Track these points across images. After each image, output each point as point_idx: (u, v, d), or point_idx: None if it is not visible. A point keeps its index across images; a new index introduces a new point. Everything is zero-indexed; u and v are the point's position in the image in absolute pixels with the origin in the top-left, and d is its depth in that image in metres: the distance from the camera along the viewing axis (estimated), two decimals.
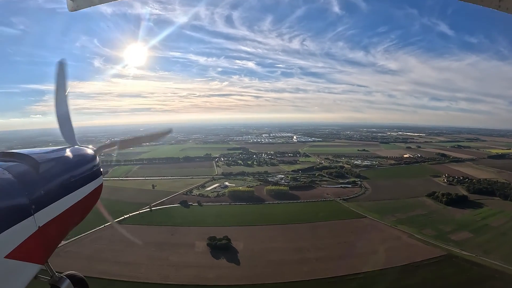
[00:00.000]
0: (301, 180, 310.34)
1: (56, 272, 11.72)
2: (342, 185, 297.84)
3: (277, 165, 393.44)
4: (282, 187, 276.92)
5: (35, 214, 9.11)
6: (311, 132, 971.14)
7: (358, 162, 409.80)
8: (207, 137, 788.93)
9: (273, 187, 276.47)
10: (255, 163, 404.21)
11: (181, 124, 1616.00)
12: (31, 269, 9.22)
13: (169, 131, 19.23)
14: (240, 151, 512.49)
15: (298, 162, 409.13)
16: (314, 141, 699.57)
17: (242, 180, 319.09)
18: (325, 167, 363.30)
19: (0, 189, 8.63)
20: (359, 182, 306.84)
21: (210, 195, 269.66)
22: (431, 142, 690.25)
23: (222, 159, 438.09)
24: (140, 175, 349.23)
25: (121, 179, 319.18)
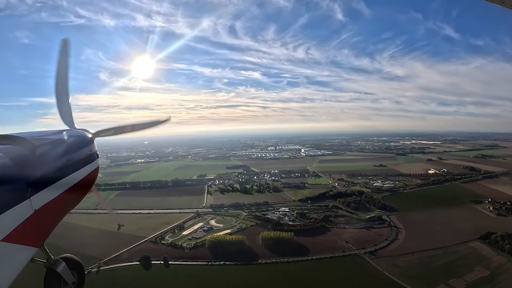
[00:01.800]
0: (311, 216, 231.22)
1: (52, 255, 11.67)
2: (365, 225, 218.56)
3: (281, 190, 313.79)
4: (284, 234, 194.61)
5: (31, 197, 8.92)
6: (319, 143, 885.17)
7: (379, 183, 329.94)
8: (209, 151, 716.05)
9: (272, 234, 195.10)
10: (255, 187, 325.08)
11: (188, 136, 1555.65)
12: (28, 252, 9.10)
13: (166, 120, 17.50)
14: (240, 170, 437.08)
15: (306, 185, 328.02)
16: (323, 154, 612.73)
17: (234, 216, 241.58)
18: (340, 194, 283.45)
19: None
20: (386, 218, 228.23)
21: (185, 245, 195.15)
22: (451, 151, 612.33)
23: (217, 181, 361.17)
24: (112, 207, 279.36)
25: (87, 212, 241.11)
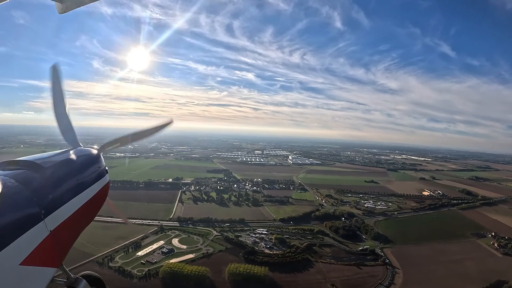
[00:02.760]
0: (292, 243, 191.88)
1: (72, 273, 11.57)
2: (356, 260, 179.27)
3: (262, 204, 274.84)
4: (256, 270, 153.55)
5: (45, 219, 8.98)
6: (308, 150, 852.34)
7: (370, 204, 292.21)
8: (193, 150, 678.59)
9: (241, 268, 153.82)
10: (233, 198, 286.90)
11: (176, 132, 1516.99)
12: (47, 273, 9.13)
13: (170, 122, 15.67)
14: (221, 175, 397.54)
15: (290, 200, 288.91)
16: (311, 163, 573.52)
17: (203, 235, 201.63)
18: (327, 215, 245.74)
19: (8, 197, 8.32)
20: (380, 252, 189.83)
21: (135, 272, 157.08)
22: (443, 170, 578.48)
23: (193, 187, 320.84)
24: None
25: None
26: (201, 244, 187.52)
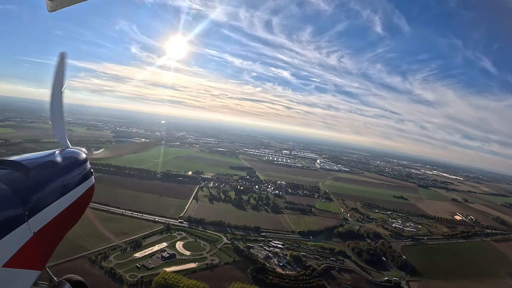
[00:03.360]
0: (308, 263, 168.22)
1: (55, 277, 11.33)
2: None
3: (282, 212, 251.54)
4: None
5: (29, 220, 8.72)
6: (337, 156, 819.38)
7: (399, 224, 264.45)
8: (220, 143, 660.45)
9: None
10: (252, 201, 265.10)
11: (206, 123, 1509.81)
12: (30, 275, 8.88)
13: (159, 142, 20.65)
14: (244, 173, 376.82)
15: (312, 211, 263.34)
16: (339, 170, 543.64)
17: (211, 242, 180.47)
18: (351, 233, 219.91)
19: None
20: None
21: (127, 277, 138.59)
22: (475, 192, 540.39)
23: (212, 184, 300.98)
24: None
25: None
26: (207, 252, 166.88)
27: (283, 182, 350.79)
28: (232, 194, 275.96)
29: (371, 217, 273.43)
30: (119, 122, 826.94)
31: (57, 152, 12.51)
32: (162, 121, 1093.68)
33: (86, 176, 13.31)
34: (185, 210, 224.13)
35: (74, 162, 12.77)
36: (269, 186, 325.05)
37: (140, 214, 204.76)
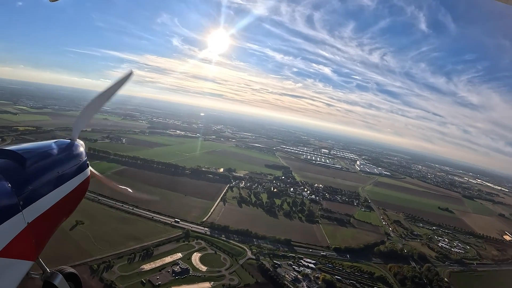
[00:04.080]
0: None
1: (48, 268, 11.17)
2: None
3: (317, 221, 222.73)
4: None
5: (23, 211, 8.74)
6: (377, 157, 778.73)
7: (445, 243, 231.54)
8: (257, 139, 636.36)
9: None
10: (285, 206, 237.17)
11: (245, 116, 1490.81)
12: (23, 266, 8.90)
13: (130, 74, 14.52)
14: (280, 172, 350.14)
15: (351, 222, 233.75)
16: (380, 174, 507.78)
17: (233, 255, 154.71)
18: (393, 253, 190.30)
19: None
20: None
21: None
22: None
23: (243, 183, 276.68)
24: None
25: None
26: (226, 269, 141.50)
27: (321, 186, 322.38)
28: (264, 196, 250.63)
29: (415, 232, 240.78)
30: (157, 113, 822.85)
31: (53, 143, 12.20)
32: (201, 114, 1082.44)
33: (82, 167, 12.95)
34: (210, 213, 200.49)
35: (70, 154, 12.48)
36: (305, 190, 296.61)
37: (159, 216, 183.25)
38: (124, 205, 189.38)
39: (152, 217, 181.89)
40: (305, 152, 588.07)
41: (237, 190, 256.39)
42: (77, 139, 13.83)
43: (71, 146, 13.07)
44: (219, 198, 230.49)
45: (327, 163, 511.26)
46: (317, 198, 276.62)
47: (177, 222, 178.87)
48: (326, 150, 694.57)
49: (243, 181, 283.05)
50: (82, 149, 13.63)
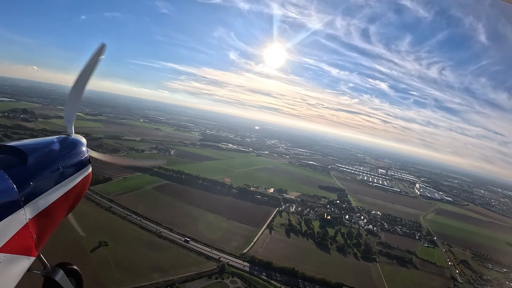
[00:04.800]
0: None
1: (48, 263, 11.16)
2: None
3: (374, 259, 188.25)
4: None
5: (24, 207, 8.67)
6: (436, 179, 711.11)
7: None
8: (312, 156, 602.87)
9: None
10: (338, 238, 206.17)
11: (300, 131, 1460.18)
12: (24, 262, 8.69)
13: (102, 47, 14.47)
14: (334, 195, 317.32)
15: (413, 261, 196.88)
16: (442, 199, 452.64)
17: None
18: None
19: None
20: None
21: None
22: None
23: (294, 207, 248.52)
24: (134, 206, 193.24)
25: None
26: None
27: (378, 213, 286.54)
28: (316, 225, 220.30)
29: (484, 277, 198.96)
30: (211, 125, 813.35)
31: (55, 139, 12.23)
32: (256, 127, 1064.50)
33: (84, 164, 12.98)
34: (252, 243, 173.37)
35: (72, 150, 12.51)
36: (362, 217, 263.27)
37: (194, 243, 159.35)
38: (157, 227, 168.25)
39: (186, 243, 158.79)
40: (361, 172, 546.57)
41: (287, 215, 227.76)
42: (79, 135, 13.95)
43: (73, 142, 12.94)
44: (266, 224, 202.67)
45: (385, 185, 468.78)
46: (374, 228, 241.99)
47: (210, 254, 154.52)
48: (383, 171, 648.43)
49: (294, 205, 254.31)
50: (84, 145, 13.52)
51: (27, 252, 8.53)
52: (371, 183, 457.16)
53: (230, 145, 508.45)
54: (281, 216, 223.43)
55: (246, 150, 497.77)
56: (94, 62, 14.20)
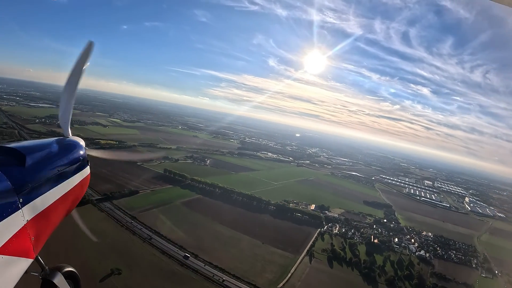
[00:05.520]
0: None
1: (46, 265, 10.99)
2: None
3: None
4: None
5: (22, 208, 8.52)
6: (485, 192, 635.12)
7: None
8: (354, 166, 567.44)
9: None
10: (387, 267, 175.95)
11: (340, 138, 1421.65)
12: (22, 264, 8.57)
13: (90, 44, 14.12)
14: (380, 212, 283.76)
15: None
16: (494, 216, 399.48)
17: None
18: None
19: None
20: None
21: None
22: None
23: (337, 229, 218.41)
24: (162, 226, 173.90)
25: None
26: None
27: (430, 234, 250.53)
28: (362, 250, 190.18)
29: None
30: (251, 132, 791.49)
31: (53, 140, 12.16)
32: (297, 134, 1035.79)
33: (82, 166, 12.89)
34: (289, 275, 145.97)
35: (70, 152, 12.36)
36: (412, 241, 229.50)
37: (221, 274, 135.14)
38: (182, 251, 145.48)
39: (212, 275, 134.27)
40: (407, 184, 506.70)
41: (329, 238, 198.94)
42: (77, 137, 13.75)
43: (71, 143, 12.84)
44: (305, 250, 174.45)
45: (433, 199, 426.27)
46: (427, 255, 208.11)
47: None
48: (429, 182, 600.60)
49: (337, 225, 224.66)
50: (82, 147, 13.32)
51: (25, 254, 8.32)
52: (418, 197, 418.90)
53: (269, 154, 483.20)
54: (323, 239, 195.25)
55: (286, 159, 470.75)
56: (83, 61, 13.53)
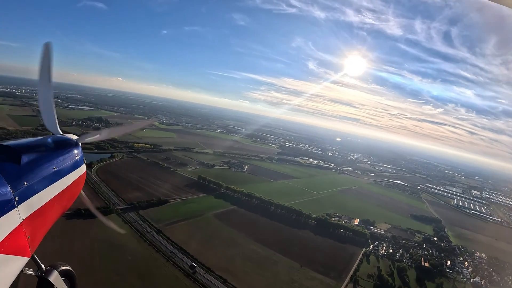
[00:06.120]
0: None
1: (42, 264, 10.80)
2: None
3: None
4: None
5: (18, 206, 8.45)
6: None
7: None
8: (398, 173, 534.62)
9: None
10: None
11: (383, 143, 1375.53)
12: (18, 262, 8.53)
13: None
14: (429, 229, 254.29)
15: None
16: None
17: None
18: None
19: None
20: None
21: None
22: None
23: (384, 248, 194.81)
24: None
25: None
26: None
27: (484, 256, 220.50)
28: (411, 275, 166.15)
29: None
30: (291, 136, 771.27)
31: (48, 139, 11.95)
32: (338, 139, 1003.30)
33: (78, 163, 12.76)
34: None
35: (65, 149, 12.18)
36: (466, 264, 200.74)
37: None
38: (208, 274, 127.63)
39: None
40: (454, 194, 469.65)
41: (375, 260, 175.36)
42: (72, 134, 13.55)
43: (66, 141, 12.62)
44: (349, 275, 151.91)
45: (483, 213, 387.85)
46: (482, 282, 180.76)
47: None
48: (477, 192, 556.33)
49: (383, 244, 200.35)
50: (77, 144, 13.20)
51: (21, 252, 8.27)
52: (467, 210, 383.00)
53: (310, 159, 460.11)
54: (368, 262, 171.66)
55: (328, 166, 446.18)
56: (47, 62, 13.14)
